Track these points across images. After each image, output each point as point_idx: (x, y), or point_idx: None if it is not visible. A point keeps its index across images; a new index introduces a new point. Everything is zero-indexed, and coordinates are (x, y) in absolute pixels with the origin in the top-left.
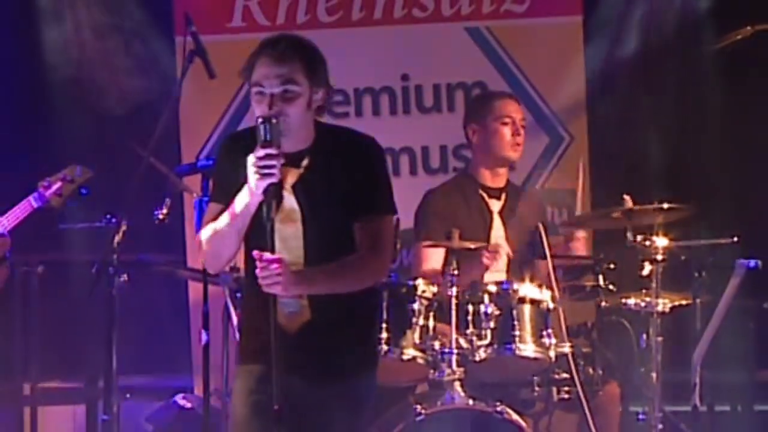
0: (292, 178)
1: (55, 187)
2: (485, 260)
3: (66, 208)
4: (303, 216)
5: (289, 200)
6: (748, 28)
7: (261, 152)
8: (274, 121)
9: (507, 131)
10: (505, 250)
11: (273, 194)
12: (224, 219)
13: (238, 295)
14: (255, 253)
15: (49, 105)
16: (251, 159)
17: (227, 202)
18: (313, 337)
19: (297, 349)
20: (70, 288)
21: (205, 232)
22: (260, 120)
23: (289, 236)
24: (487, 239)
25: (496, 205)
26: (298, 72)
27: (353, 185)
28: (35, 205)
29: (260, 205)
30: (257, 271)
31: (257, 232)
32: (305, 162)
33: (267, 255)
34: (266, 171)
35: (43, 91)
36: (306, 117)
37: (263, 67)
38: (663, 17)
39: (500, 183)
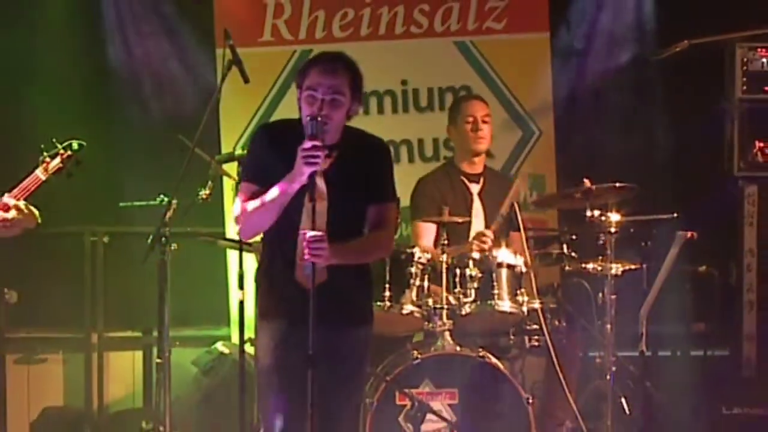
0: (324, 166)
1: (57, 159)
2: (476, 248)
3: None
4: (330, 197)
5: (320, 183)
6: (685, 42)
7: (309, 144)
8: (319, 119)
9: (468, 128)
10: (490, 236)
11: (314, 180)
12: (270, 196)
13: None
14: (304, 232)
15: (114, 103)
16: (300, 149)
17: (259, 181)
18: (328, 293)
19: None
20: (130, 255)
21: (250, 206)
22: (309, 118)
23: (316, 212)
24: (469, 215)
25: (475, 188)
26: (345, 86)
27: (369, 177)
28: (42, 178)
29: (302, 188)
30: (306, 243)
31: (286, 208)
32: (334, 154)
33: (315, 233)
34: (312, 160)
35: (109, 90)
36: (342, 121)
37: (318, 76)
38: (615, 33)
39: (477, 170)
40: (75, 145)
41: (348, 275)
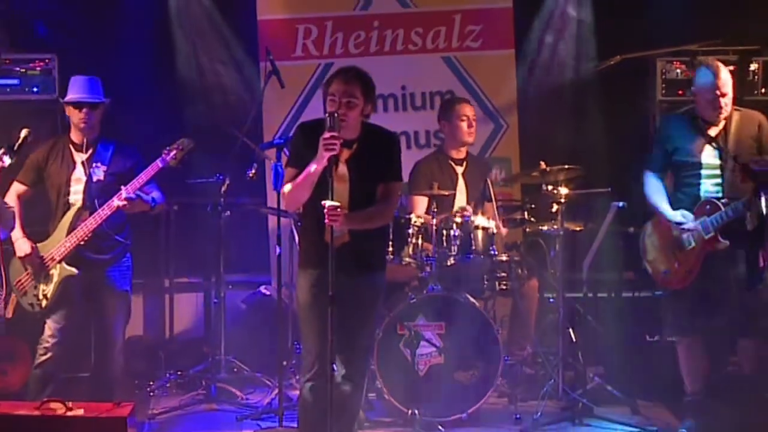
0: (345, 155)
1: (173, 153)
2: (458, 219)
3: (182, 167)
4: (350, 179)
5: (342, 168)
6: (618, 56)
7: (327, 135)
8: (336, 115)
9: (464, 125)
10: (470, 210)
11: (333, 162)
12: (301, 177)
13: (299, 224)
14: (325, 203)
15: (182, 102)
16: (321, 139)
17: (300, 166)
18: (350, 249)
19: (340, 256)
20: (194, 219)
21: (289, 187)
22: (328, 114)
23: (340, 190)
24: (455, 189)
25: (459, 169)
26: (358, 91)
27: (381, 163)
28: (160, 165)
29: (323, 169)
30: (326, 211)
31: (319, 187)
32: (354, 146)
33: (332, 203)
34: (330, 146)
35: (178, 91)
36: (358, 119)
37: (337, 84)
38: (564, 49)
39: (462, 155)
40: (185, 143)
41: (366, 236)
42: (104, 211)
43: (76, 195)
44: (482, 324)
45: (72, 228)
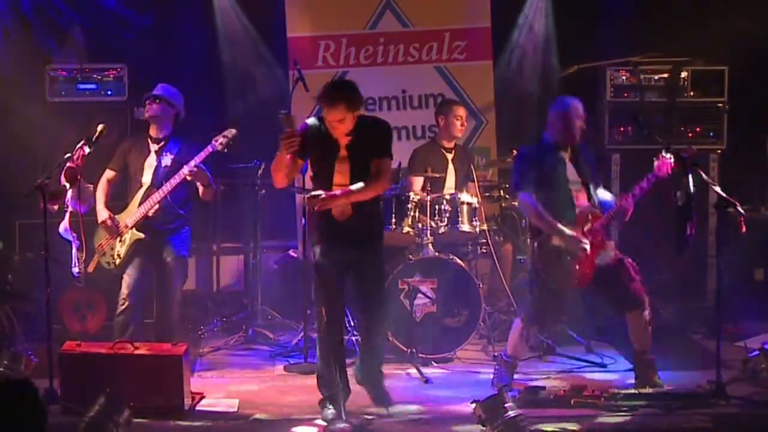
0: (346, 141)
1: (221, 140)
2: (447, 196)
3: (228, 152)
4: (350, 160)
5: (343, 152)
6: (576, 66)
7: (283, 136)
8: (288, 115)
9: (458, 123)
10: (460, 194)
11: (335, 151)
12: (275, 161)
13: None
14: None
15: (226, 98)
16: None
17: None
18: (353, 222)
19: (347, 229)
20: (236, 196)
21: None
22: (281, 116)
23: (343, 170)
24: (445, 173)
25: (449, 156)
26: (342, 109)
27: (374, 144)
28: (211, 149)
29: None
30: (307, 199)
31: (322, 172)
32: (352, 135)
33: (313, 193)
34: (288, 145)
35: (223, 91)
36: (352, 121)
37: (326, 112)
38: (532, 59)
39: (451, 145)
40: (231, 132)
41: (366, 211)
42: (171, 183)
43: (147, 176)
44: (467, 280)
45: (142, 201)
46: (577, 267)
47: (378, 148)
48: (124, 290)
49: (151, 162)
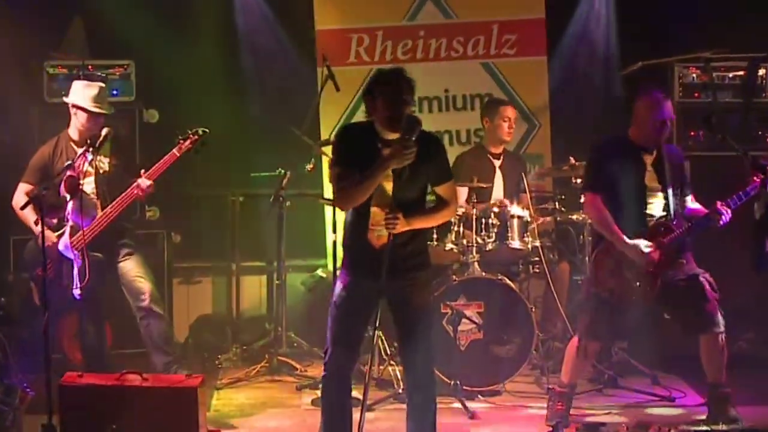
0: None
1: (188, 141)
2: (496, 209)
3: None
4: (393, 178)
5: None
6: (640, 63)
7: (406, 148)
8: (415, 123)
9: (505, 126)
10: (507, 202)
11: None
12: (366, 182)
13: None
14: (385, 211)
15: (247, 102)
16: (399, 147)
17: (345, 167)
18: (394, 250)
19: (382, 258)
20: (257, 209)
21: (340, 186)
22: (412, 120)
23: (384, 188)
24: (492, 182)
25: (497, 163)
26: (410, 95)
27: (428, 165)
28: (177, 154)
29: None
30: (385, 218)
31: None
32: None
33: (391, 214)
34: (407, 156)
35: (243, 92)
36: None
37: (397, 90)
38: (590, 56)
39: (499, 151)
40: (200, 131)
41: (409, 236)
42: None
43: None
44: (517, 303)
45: None
46: (638, 284)
47: (440, 170)
48: None
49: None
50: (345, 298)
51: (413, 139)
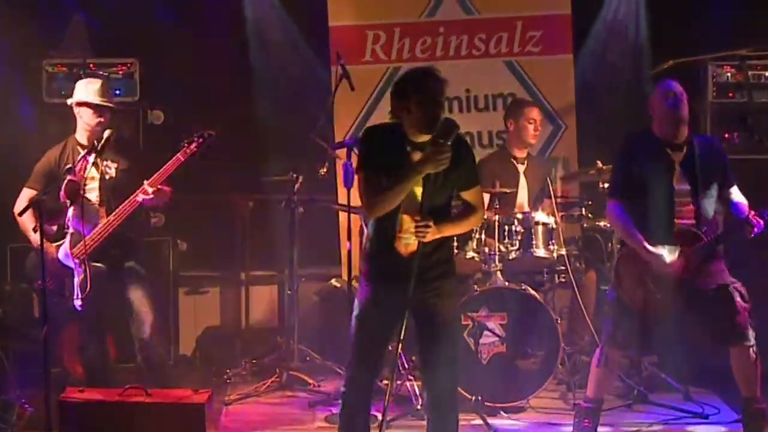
0: (418, 157)
1: (193, 145)
2: (519, 215)
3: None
4: (423, 182)
5: None
6: (671, 61)
7: (443, 152)
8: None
9: (531, 128)
10: (529, 209)
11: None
12: (397, 188)
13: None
14: (415, 218)
15: (257, 104)
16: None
17: (373, 171)
18: (420, 259)
19: (408, 268)
20: (268, 215)
21: (379, 198)
22: (450, 123)
23: (415, 194)
24: (516, 187)
25: (521, 168)
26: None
27: (457, 169)
28: (182, 158)
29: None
30: (416, 227)
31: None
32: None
33: (423, 222)
34: (443, 161)
35: (252, 93)
36: None
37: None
38: (619, 53)
39: (524, 154)
40: (206, 134)
41: (435, 244)
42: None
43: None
44: (542, 315)
45: None
46: (659, 296)
47: (467, 174)
48: None
49: None
50: (369, 311)
51: (449, 143)
